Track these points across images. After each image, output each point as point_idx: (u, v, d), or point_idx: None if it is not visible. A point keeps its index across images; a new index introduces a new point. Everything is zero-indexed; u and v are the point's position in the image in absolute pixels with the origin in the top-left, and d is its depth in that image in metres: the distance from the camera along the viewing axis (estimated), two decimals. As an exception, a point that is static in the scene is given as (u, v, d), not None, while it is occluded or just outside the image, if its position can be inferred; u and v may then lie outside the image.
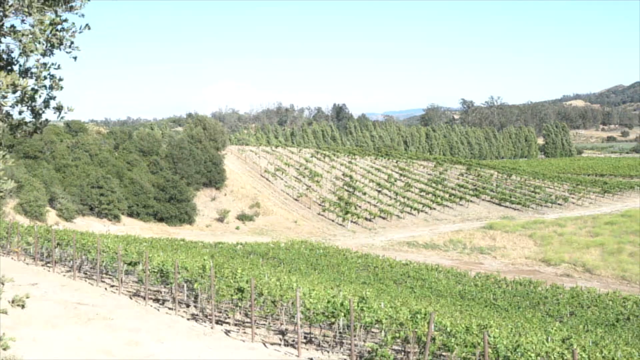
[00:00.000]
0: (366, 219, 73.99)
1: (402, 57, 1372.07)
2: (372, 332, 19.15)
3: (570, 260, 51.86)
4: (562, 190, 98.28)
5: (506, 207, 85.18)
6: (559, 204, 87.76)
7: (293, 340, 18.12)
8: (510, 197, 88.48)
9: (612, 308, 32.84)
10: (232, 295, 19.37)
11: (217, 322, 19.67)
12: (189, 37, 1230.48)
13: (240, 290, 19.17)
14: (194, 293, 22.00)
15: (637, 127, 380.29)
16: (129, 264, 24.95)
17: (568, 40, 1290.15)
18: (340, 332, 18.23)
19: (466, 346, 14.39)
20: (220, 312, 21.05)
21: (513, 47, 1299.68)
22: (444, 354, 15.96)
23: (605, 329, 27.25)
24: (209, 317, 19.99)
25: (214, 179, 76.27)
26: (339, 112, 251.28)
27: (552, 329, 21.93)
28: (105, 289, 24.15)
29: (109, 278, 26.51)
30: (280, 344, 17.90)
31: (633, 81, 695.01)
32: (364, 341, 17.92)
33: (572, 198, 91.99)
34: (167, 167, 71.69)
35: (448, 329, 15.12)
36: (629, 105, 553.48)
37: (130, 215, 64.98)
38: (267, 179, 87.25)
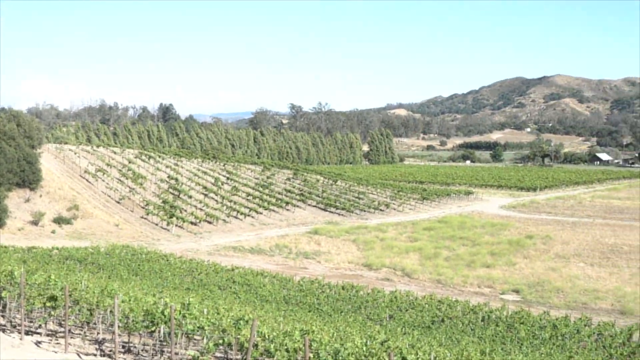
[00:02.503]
0: (192, 223, 72.83)
1: (232, 60, 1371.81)
2: (195, 339, 18.65)
3: (391, 264, 53.71)
4: (385, 196, 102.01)
5: (331, 212, 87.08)
6: (381, 210, 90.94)
7: (110, 350, 17.25)
8: (336, 202, 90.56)
9: (428, 310, 34.24)
10: (44, 303, 18.15)
11: (27, 333, 18.34)
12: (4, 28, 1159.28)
13: (53, 298, 18.00)
14: (1, 302, 20.41)
15: (455, 136, 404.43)
16: None
17: (393, 51, 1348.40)
18: (160, 341, 17.61)
19: (288, 352, 14.27)
20: (31, 322, 19.67)
21: (341, 54, 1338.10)
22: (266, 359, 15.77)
23: (421, 330, 28.33)
24: (18, 327, 18.60)
25: (29, 179, 71.77)
26: (166, 112, 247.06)
27: (372, 332, 22.44)
28: None
29: None
30: (96, 355, 16.99)
31: (451, 93, 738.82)
32: (186, 349, 17.41)
33: (394, 204, 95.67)
34: (-23, 166, 66.62)
35: (270, 335, 14.94)
36: (447, 116, 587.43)
37: None
38: (87, 180, 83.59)
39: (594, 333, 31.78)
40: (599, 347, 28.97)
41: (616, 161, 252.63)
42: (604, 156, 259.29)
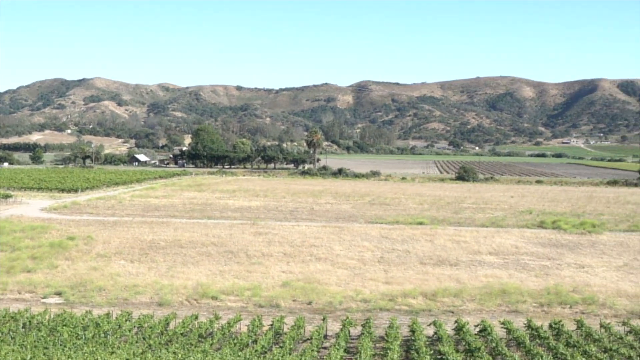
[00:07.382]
0: None
1: None
2: None
3: None
4: None
5: None
6: None
7: None
8: None
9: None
10: None
11: None
12: None
13: None
14: None
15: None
16: None
17: None
18: None
19: None
20: None
21: None
22: None
23: None
24: None
25: None
26: None
27: None
28: None
29: None
30: None
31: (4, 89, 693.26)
32: None
33: None
34: None
35: None
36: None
37: None
38: None
39: (134, 326, 33.60)
40: (140, 339, 30.79)
41: (153, 162, 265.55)
42: (142, 157, 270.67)
